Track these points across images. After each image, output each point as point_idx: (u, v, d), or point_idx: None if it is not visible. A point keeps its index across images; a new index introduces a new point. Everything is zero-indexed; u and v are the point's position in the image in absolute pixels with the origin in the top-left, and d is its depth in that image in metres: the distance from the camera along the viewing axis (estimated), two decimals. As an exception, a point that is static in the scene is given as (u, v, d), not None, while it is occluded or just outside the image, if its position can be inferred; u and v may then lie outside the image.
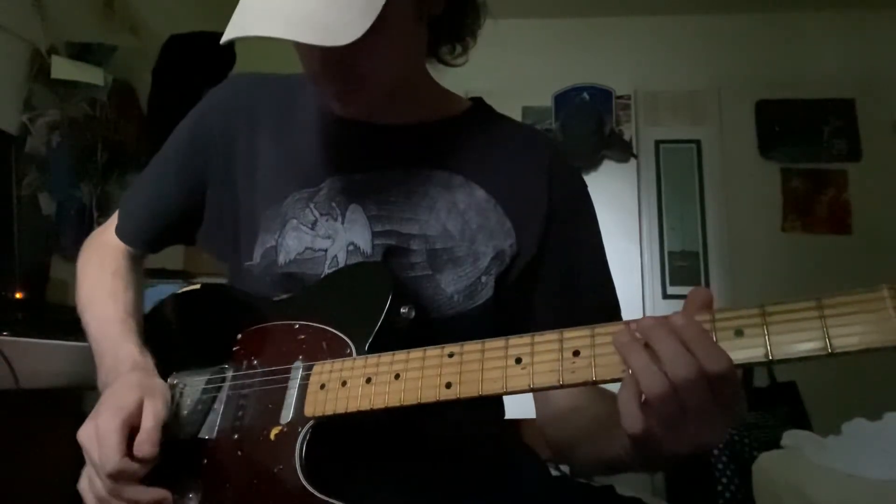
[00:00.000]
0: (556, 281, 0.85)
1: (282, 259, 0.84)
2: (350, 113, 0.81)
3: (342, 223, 0.83)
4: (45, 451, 1.22)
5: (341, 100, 0.78)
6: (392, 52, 0.76)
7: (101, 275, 0.93)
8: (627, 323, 0.55)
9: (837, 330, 0.48)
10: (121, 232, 0.98)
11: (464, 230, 0.82)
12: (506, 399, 0.85)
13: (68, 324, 1.16)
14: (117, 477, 0.67)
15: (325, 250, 0.83)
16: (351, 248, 0.82)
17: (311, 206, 0.85)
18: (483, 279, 0.81)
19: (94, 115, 2.30)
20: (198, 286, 0.94)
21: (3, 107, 1.96)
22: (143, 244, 0.98)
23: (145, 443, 0.68)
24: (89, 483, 0.71)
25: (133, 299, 0.91)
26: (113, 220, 1.00)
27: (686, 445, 0.54)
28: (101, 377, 0.81)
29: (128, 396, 0.71)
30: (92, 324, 0.88)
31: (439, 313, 0.80)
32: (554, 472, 0.91)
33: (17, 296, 1.57)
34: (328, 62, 0.73)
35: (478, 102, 0.94)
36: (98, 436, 0.68)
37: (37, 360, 1.15)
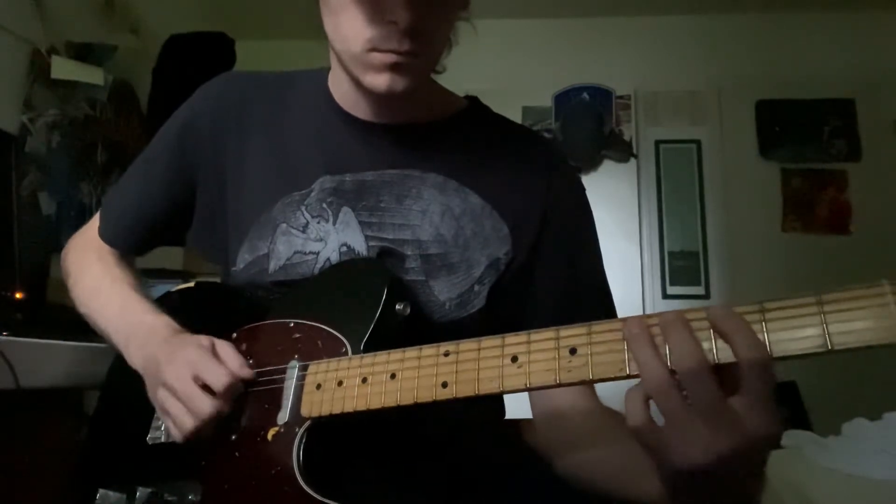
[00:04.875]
0: (551, 285, 0.84)
1: (272, 266, 0.82)
2: (397, 88, 0.74)
3: (333, 224, 0.82)
4: (45, 451, 1.22)
5: (397, 69, 0.73)
6: (448, 28, 0.78)
7: (103, 265, 0.93)
8: (626, 319, 0.54)
9: (837, 326, 0.47)
10: (104, 234, 0.95)
11: (457, 235, 0.81)
12: (506, 398, 0.85)
13: (68, 324, 1.16)
14: (229, 390, 0.71)
15: (317, 253, 0.81)
16: (344, 249, 0.81)
17: (303, 208, 0.83)
18: (476, 288, 0.80)
19: (94, 115, 2.30)
20: (192, 284, 0.93)
21: (3, 107, 1.96)
22: (127, 247, 0.96)
23: (244, 366, 0.73)
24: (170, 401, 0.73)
25: (139, 285, 0.91)
26: (94, 222, 0.98)
27: (701, 452, 0.50)
28: (134, 347, 0.80)
29: (199, 340, 0.75)
30: (106, 307, 0.88)
31: (431, 320, 0.79)
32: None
33: (17, 296, 1.57)
34: (416, 15, 0.70)
35: (473, 102, 0.92)
36: (198, 360, 0.71)
37: (37, 360, 1.15)
